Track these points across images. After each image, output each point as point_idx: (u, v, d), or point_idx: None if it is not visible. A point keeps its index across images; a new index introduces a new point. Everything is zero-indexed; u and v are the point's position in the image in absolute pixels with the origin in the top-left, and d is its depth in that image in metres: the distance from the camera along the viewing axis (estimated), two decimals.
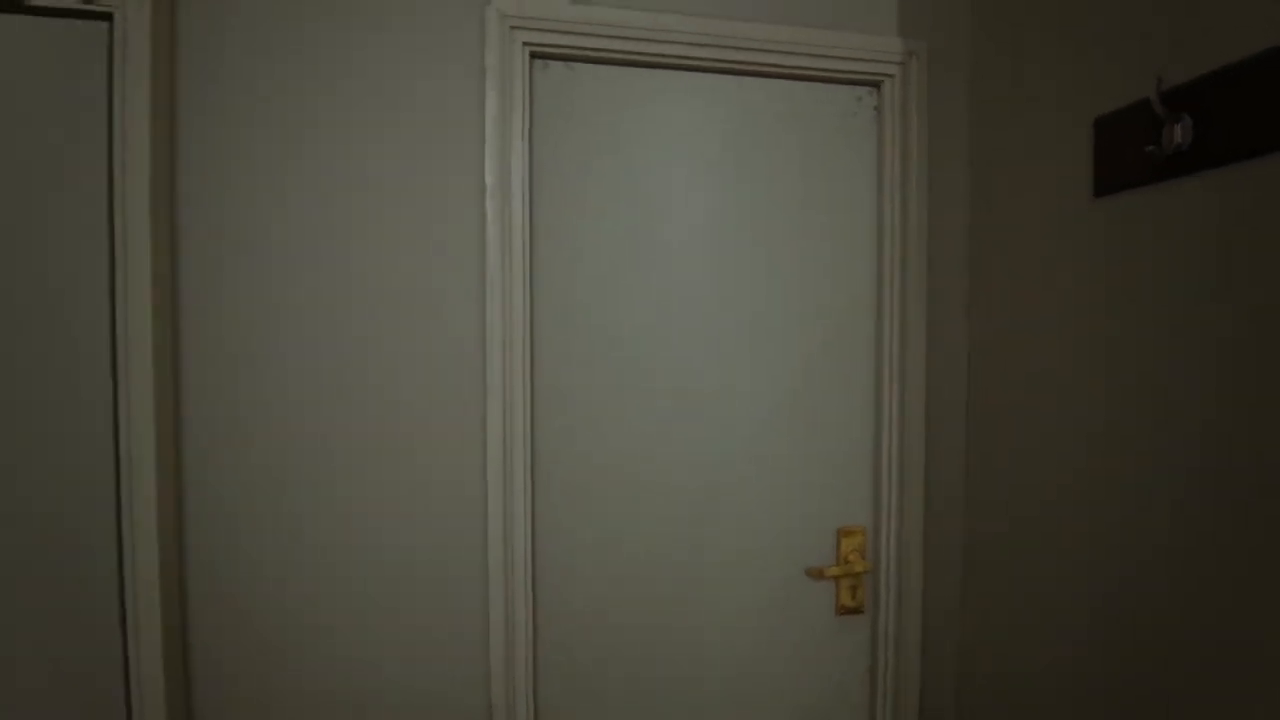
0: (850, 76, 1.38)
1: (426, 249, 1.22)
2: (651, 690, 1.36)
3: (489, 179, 1.22)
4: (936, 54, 1.40)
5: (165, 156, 1.11)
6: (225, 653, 1.17)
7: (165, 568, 1.09)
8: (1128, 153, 1.06)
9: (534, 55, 1.26)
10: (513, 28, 1.22)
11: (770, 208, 1.38)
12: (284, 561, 1.19)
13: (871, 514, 1.44)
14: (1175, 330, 1.01)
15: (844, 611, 1.43)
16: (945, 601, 1.45)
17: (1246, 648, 0.93)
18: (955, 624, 1.46)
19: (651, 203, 1.33)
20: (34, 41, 1.05)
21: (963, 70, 1.42)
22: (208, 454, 1.16)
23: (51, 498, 1.08)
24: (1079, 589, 1.19)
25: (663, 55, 1.29)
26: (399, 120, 1.20)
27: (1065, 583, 1.22)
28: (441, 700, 1.25)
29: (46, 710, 1.08)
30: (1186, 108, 0.96)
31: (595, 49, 1.27)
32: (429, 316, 1.22)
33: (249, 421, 1.17)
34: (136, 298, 1.05)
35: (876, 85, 1.40)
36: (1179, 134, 0.96)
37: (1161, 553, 1.05)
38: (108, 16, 1.05)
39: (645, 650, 1.36)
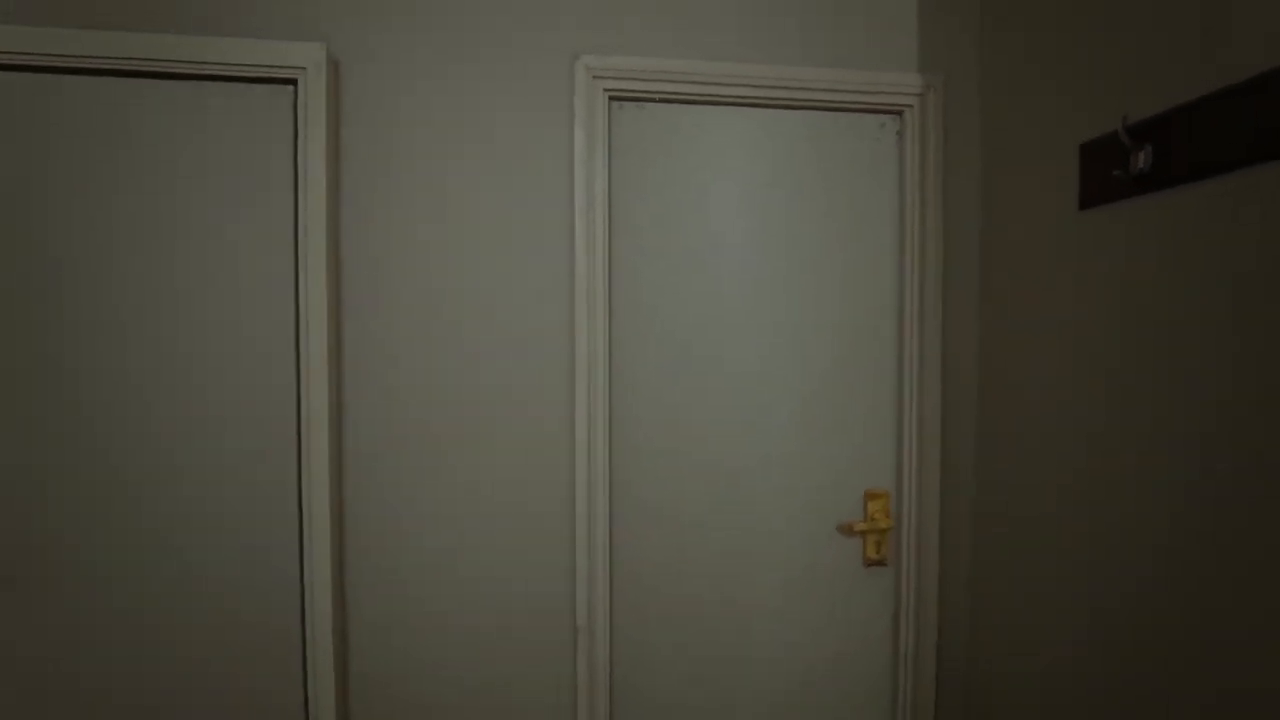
0: (876, 107, 1.62)
1: (527, 259, 1.51)
2: (704, 622, 1.63)
3: (578, 202, 1.51)
4: (951, 86, 1.63)
5: (334, 192, 1.43)
6: (384, 574, 1.49)
7: (333, 524, 1.41)
8: (1105, 173, 1.28)
9: (612, 99, 1.54)
10: (595, 77, 1.51)
11: (806, 221, 1.63)
12: (436, 519, 1.51)
13: (894, 480, 1.68)
14: (1159, 329, 1.17)
15: (870, 564, 1.68)
16: (959, 567, 1.68)
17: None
18: (966, 589, 1.69)
19: (706, 217, 1.60)
20: (237, 100, 1.39)
21: (973, 99, 1.65)
22: (364, 428, 1.48)
23: (250, 450, 1.41)
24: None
25: (717, 95, 1.56)
26: (512, 165, 1.50)
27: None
28: (545, 618, 1.56)
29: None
30: (1148, 138, 1.19)
31: (662, 91, 1.54)
32: (530, 316, 1.52)
33: (400, 406, 1.48)
34: (315, 300, 1.37)
35: (899, 113, 1.64)
36: (1141, 160, 1.19)
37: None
38: (293, 82, 1.38)
39: (698, 589, 1.63)
